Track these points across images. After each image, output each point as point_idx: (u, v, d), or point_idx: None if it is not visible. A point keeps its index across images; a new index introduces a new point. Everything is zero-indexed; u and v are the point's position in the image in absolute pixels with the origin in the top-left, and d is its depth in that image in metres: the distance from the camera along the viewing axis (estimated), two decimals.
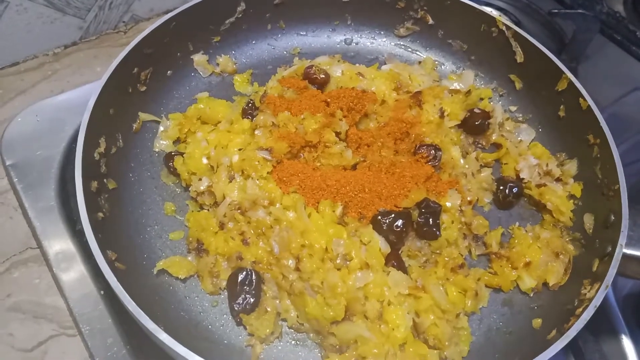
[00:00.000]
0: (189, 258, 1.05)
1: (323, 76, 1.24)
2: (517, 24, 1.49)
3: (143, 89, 1.21)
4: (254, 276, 0.99)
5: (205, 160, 1.11)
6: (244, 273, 0.99)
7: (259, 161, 1.07)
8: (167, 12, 1.22)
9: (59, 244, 1.10)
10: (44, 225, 1.12)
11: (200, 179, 1.09)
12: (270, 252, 1.00)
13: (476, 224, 1.10)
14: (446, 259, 1.04)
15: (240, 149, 1.10)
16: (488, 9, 1.30)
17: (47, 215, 1.13)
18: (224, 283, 1.01)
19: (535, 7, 1.57)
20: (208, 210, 1.10)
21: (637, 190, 1.12)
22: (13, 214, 1.16)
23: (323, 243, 0.98)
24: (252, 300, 0.98)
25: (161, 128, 1.21)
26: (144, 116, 1.19)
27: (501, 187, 1.16)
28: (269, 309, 0.98)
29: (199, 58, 1.31)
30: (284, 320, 1.00)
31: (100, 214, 1.00)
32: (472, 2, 1.30)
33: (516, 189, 1.15)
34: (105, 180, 1.07)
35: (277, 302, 0.99)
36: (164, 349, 0.84)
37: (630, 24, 1.56)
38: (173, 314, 0.98)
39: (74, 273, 1.07)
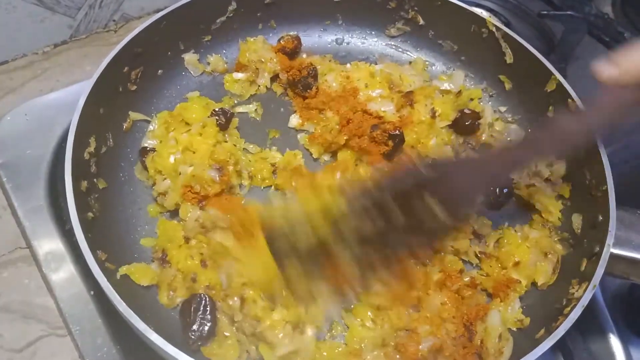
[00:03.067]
0: (153, 266, 1.03)
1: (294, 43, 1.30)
2: (507, 25, 1.50)
3: (133, 88, 1.20)
4: (207, 301, 0.95)
5: (172, 160, 1.10)
6: (197, 300, 0.95)
7: (207, 181, 1.06)
8: (157, 11, 1.21)
9: (49, 244, 1.09)
10: (34, 225, 1.11)
11: (164, 179, 1.09)
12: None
13: (480, 224, 1.11)
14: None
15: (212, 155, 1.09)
16: (478, 10, 1.31)
17: (36, 215, 1.12)
18: (179, 300, 0.99)
19: (524, 9, 1.58)
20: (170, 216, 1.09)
21: (627, 190, 1.13)
22: (2, 213, 1.15)
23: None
24: (207, 325, 0.94)
25: (150, 127, 1.20)
26: (134, 115, 1.19)
27: (491, 188, 1.16)
28: (227, 334, 0.95)
29: (189, 57, 1.30)
30: None
31: (90, 214, 0.99)
32: (462, 3, 1.31)
33: (506, 189, 1.15)
34: (95, 179, 1.06)
35: (234, 328, 0.96)
36: (154, 349, 0.84)
37: (619, 26, 1.58)
38: (163, 314, 0.98)
39: (63, 273, 1.06)
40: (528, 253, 1.06)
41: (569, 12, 1.49)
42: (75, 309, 1.03)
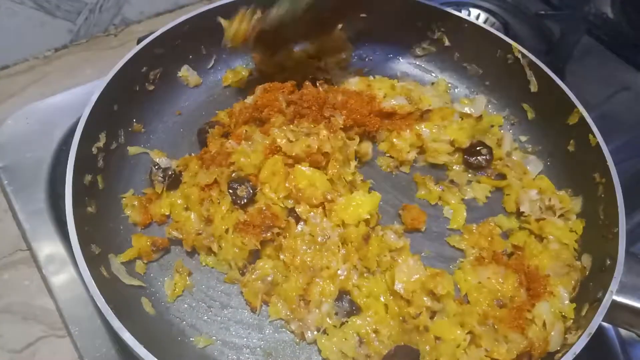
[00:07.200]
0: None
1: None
2: (505, 25, 1.50)
3: (151, 88, 1.22)
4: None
5: None
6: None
7: None
8: (158, 15, 1.22)
9: (49, 246, 1.10)
10: (34, 228, 1.12)
11: None
12: None
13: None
14: None
15: None
16: (506, 38, 1.26)
17: (36, 218, 1.13)
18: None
19: (523, 9, 1.58)
20: None
21: (625, 189, 1.12)
22: (3, 216, 1.16)
23: None
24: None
25: None
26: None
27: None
28: None
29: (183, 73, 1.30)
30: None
31: (90, 209, 1.01)
32: (489, 28, 1.27)
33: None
34: (101, 174, 1.07)
35: None
36: (128, 349, 0.84)
37: (618, 25, 1.58)
38: (146, 318, 0.98)
39: (63, 275, 1.07)
40: (550, 261, 1.05)
41: (567, 12, 1.48)
42: (75, 310, 1.03)
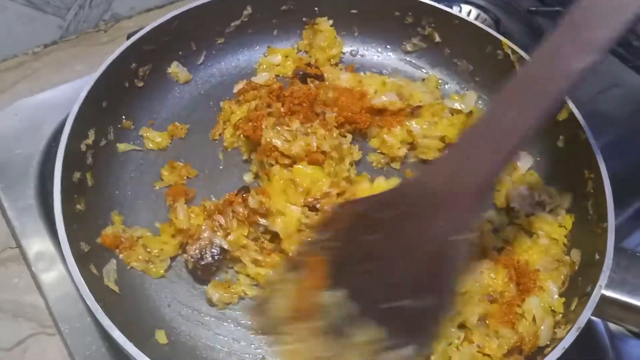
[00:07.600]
0: None
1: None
2: (496, 21, 1.50)
3: (140, 84, 1.20)
4: None
5: None
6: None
7: None
8: (148, 11, 1.21)
9: (38, 244, 1.09)
10: (23, 225, 1.11)
11: None
12: None
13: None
14: None
15: None
16: (494, 32, 1.25)
17: (26, 215, 1.12)
18: None
19: (514, 5, 1.58)
20: None
21: (614, 185, 1.12)
22: None
23: None
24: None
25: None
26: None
27: None
28: None
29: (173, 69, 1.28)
30: None
31: (79, 206, 1.00)
32: (479, 23, 1.26)
33: None
34: (90, 172, 1.06)
35: None
36: (119, 348, 0.84)
37: None
38: (136, 317, 0.97)
39: (53, 272, 1.07)
40: (539, 256, 1.05)
41: (558, 8, 1.48)
42: (65, 308, 1.03)
